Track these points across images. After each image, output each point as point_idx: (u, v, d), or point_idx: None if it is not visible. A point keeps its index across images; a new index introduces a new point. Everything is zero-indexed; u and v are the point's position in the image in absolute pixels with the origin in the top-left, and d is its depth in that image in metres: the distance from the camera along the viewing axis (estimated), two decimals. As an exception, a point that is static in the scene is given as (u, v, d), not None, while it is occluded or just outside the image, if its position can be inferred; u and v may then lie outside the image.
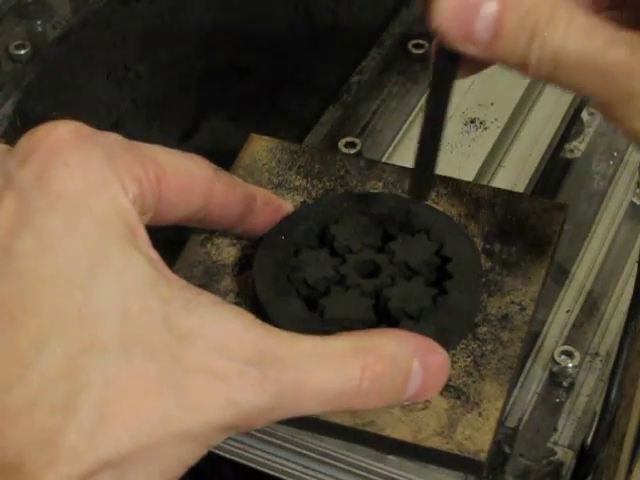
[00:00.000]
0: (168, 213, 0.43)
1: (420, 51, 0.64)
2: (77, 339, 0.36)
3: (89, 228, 0.38)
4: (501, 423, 0.46)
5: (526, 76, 0.41)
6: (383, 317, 0.45)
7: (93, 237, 0.38)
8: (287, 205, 0.50)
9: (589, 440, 0.47)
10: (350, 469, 0.46)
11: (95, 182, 0.39)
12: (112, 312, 0.37)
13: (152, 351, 0.37)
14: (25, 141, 0.40)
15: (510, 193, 0.51)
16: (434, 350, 0.42)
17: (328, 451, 0.46)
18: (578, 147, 0.61)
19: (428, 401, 0.44)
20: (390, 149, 0.59)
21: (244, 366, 0.38)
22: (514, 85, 0.62)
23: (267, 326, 0.40)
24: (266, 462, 0.47)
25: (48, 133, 0.39)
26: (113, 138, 0.41)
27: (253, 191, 0.48)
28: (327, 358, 0.40)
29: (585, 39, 0.40)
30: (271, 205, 0.49)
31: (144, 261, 0.39)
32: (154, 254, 0.40)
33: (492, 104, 0.60)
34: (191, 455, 0.38)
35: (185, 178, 0.43)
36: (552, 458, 0.46)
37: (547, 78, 0.41)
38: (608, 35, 0.40)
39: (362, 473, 0.46)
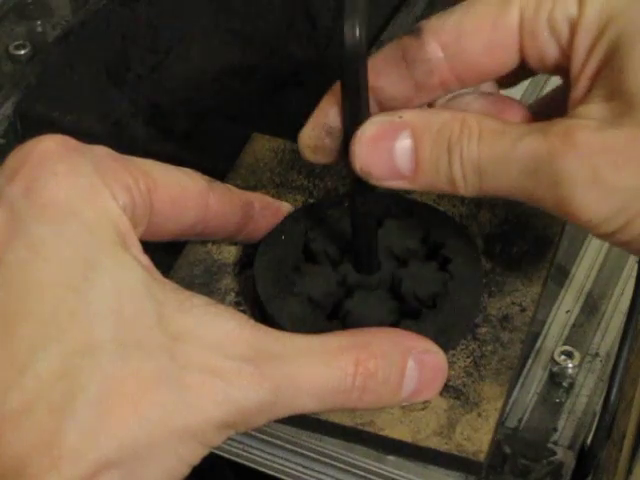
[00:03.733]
0: (163, 226, 0.43)
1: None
2: (72, 341, 0.37)
3: (80, 234, 0.38)
4: (501, 423, 0.46)
5: (462, 196, 0.42)
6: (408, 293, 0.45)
7: (84, 243, 0.38)
8: (286, 205, 0.50)
9: (589, 440, 0.47)
10: (350, 469, 0.46)
11: (84, 190, 0.39)
12: (106, 314, 0.37)
13: (148, 351, 0.37)
14: (13, 157, 0.40)
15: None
16: (430, 350, 0.42)
17: (328, 451, 0.46)
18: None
19: (427, 401, 0.44)
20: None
21: (240, 363, 0.38)
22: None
23: (260, 325, 0.40)
24: (266, 462, 0.48)
25: (35, 147, 0.40)
26: (101, 150, 0.41)
27: (250, 197, 0.48)
28: (320, 354, 0.40)
29: (496, 140, 0.40)
30: (269, 209, 0.49)
31: (136, 265, 0.39)
32: (145, 259, 0.40)
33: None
34: (192, 454, 0.38)
35: (178, 190, 0.43)
36: (552, 458, 0.46)
37: (479, 192, 0.41)
38: (518, 130, 0.40)
39: (362, 473, 0.46)
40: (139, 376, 0.37)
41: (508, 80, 0.44)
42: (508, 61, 0.42)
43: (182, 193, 0.43)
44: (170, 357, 0.37)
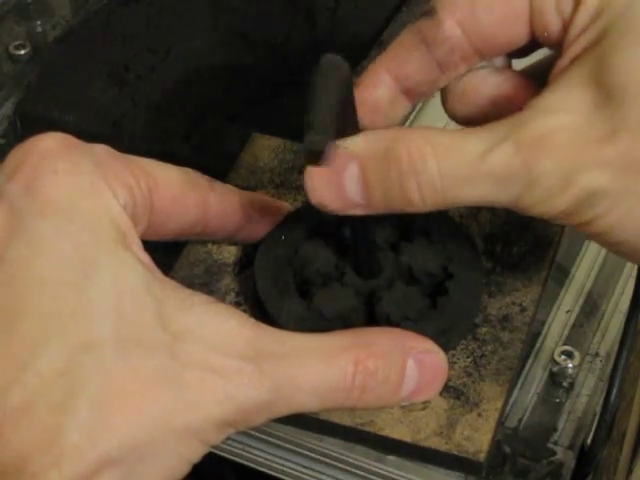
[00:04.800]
0: (163, 225, 0.43)
1: (420, 51, 0.64)
2: (73, 339, 0.37)
3: (80, 232, 0.38)
4: (501, 423, 0.46)
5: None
6: (382, 317, 0.45)
7: (84, 241, 0.38)
8: (286, 206, 0.50)
9: (589, 440, 0.47)
10: (350, 469, 0.46)
11: (84, 188, 0.39)
12: (107, 312, 0.37)
13: (149, 349, 0.37)
14: (13, 155, 0.40)
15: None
16: (430, 350, 0.42)
17: (328, 451, 0.46)
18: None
19: (427, 401, 0.44)
20: (390, 149, 0.59)
21: (240, 362, 0.38)
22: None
23: (260, 324, 0.40)
24: (266, 462, 0.48)
25: (35, 145, 0.40)
26: (102, 148, 0.41)
27: (250, 198, 0.48)
28: (320, 353, 0.40)
29: (457, 158, 0.39)
30: (269, 208, 0.49)
31: (137, 263, 0.39)
32: (146, 257, 0.40)
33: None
34: (193, 452, 0.38)
35: (178, 190, 0.43)
36: (552, 458, 0.46)
37: (440, 207, 0.40)
38: (479, 141, 0.39)
39: (362, 473, 0.46)
40: (140, 374, 0.37)
41: (520, 52, 0.44)
42: (521, 34, 0.43)
43: (182, 192, 0.43)
44: (171, 355, 0.38)
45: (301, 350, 0.40)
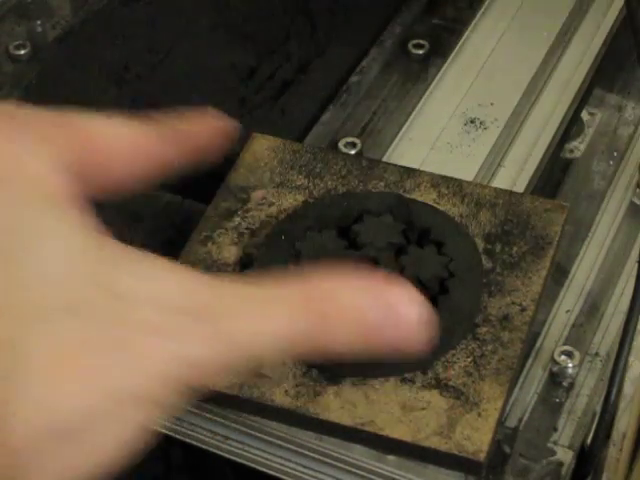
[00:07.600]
0: (106, 179, 0.41)
1: (420, 51, 0.64)
2: (13, 310, 0.36)
3: (9, 199, 0.37)
4: (501, 423, 0.46)
5: None
6: None
7: (15, 207, 0.37)
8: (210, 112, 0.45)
9: (589, 440, 0.47)
10: (350, 469, 0.46)
11: (13, 151, 0.38)
12: (41, 279, 0.36)
13: (89, 314, 0.36)
14: None
15: (511, 193, 0.51)
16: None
17: (328, 451, 0.46)
18: (578, 147, 0.61)
19: (428, 401, 0.44)
20: (390, 149, 0.59)
21: (183, 319, 0.37)
22: (514, 85, 0.62)
23: (202, 276, 0.38)
24: (266, 462, 0.47)
25: None
26: (28, 110, 0.40)
27: (175, 126, 0.44)
28: (270, 302, 0.38)
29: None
30: (200, 124, 0.45)
31: (72, 226, 0.37)
32: (86, 218, 0.38)
33: (492, 104, 0.60)
34: (145, 415, 0.37)
35: (113, 142, 0.41)
36: (552, 458, 0.46)
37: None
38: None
39: (362, 473, 0.46)
40: (82, 340, 0.36)
41: None
42: None
43: (118, 143, 0.41)
44: (112, 318, 0.36)
45: (249, 301, 0.38)
